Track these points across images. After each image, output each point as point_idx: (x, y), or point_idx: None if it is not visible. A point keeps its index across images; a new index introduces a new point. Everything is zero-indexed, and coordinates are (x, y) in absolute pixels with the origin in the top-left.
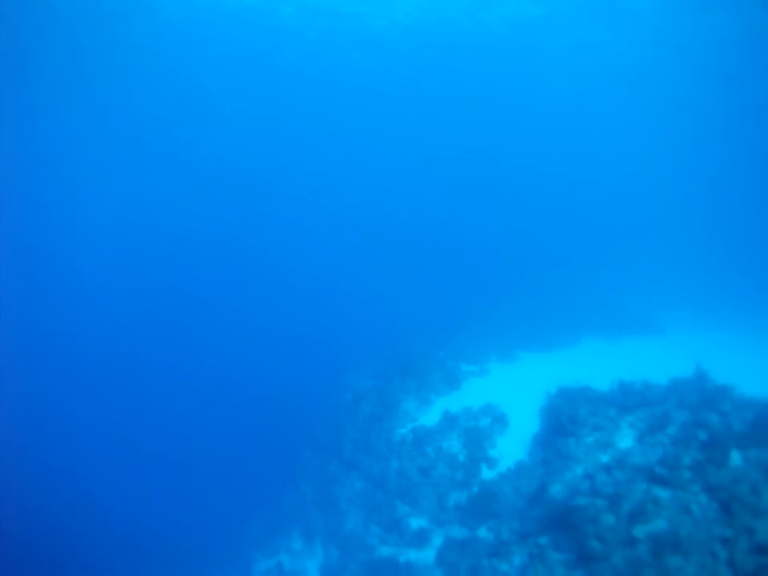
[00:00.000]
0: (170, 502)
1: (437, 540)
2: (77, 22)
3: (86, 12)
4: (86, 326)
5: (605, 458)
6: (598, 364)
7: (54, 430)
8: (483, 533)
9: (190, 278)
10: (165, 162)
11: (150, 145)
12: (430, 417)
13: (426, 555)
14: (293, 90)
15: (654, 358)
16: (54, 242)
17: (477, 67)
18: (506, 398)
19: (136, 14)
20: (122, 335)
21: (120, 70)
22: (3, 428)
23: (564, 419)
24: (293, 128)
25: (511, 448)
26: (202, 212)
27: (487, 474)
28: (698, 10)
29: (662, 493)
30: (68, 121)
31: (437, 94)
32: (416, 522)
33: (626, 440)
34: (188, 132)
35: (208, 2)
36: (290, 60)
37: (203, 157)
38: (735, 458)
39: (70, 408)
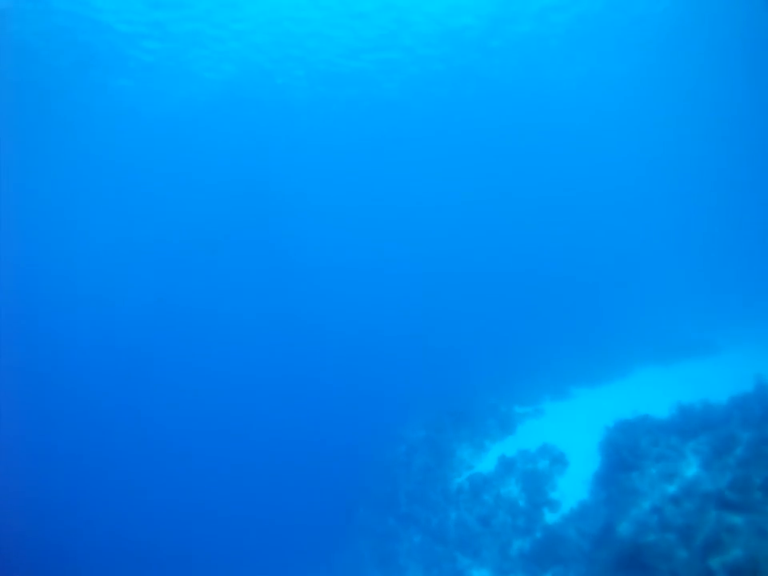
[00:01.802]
0: (226, 563)
1: None
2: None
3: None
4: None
5: (671, 489)
6: (654, 391)
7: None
8: None
9: (248, 323)
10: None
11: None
12: (486, 463)
13: None
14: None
15: (712, 378)
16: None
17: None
18: (562, 437)
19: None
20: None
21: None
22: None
23: (624, 453)
24: (323, 164)
25: (572, 488)
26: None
27: (550, 517)
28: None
29: (736, 519)
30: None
31: (471, 127)
32: (478, 574)
33: (691, 467)
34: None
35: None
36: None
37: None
38: None
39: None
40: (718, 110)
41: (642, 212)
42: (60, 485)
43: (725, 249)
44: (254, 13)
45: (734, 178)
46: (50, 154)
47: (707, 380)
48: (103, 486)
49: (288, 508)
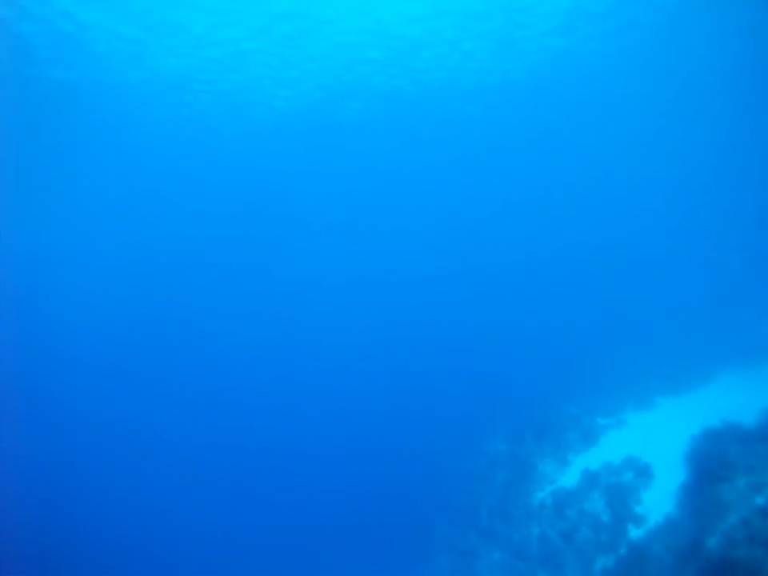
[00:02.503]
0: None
1: None
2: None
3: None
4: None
5: (760, 501)
6: (740, 397)
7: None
8: None
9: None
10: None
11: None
12: (569, 477)
13: None
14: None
15: None
16: None
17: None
18: (647, 448)
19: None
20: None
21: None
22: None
23: (712, 463)
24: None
25: (658, 502)
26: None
27: (634, 532)
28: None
29: None
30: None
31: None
32: None
33: None
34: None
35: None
36: None
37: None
38: None
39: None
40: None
41: (713, 211)
42: (63, 486)
43: None
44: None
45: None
46: (52, 154)
47: None
48: (125, 491)
49: (368, 520)
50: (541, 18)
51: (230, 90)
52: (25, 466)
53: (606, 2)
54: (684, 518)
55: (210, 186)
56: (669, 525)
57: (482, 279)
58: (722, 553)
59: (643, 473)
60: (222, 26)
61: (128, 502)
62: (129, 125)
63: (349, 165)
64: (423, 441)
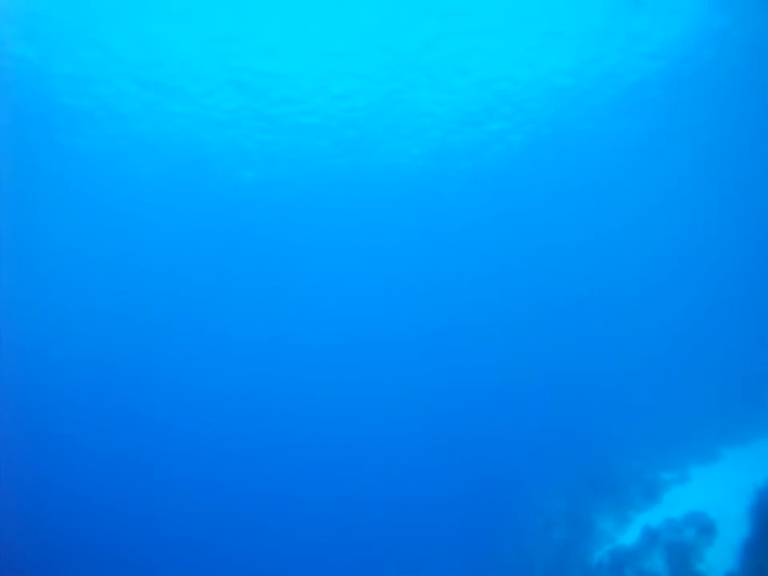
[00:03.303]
0: None
1: None
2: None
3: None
4: None
5: None
6: None
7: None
8: None
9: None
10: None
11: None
12: (629, 535)
13: None
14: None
15: None
16: None
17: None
18: (710, 503)
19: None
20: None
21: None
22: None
23: None
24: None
25: (720, 559)
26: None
27: None
28: None
29: None
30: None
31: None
32: None
33: None
34: None
35: None
36: None
37: None
38: None
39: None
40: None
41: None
42: (62, 486)
43: None
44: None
45: None
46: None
47: None
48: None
49: None
50: None
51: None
52: (24, 466)
53: None
54: (746, 575)
55: (213, 186)
56: None
57: (539, 328)
58: None
59: (706, 530)
60: None
61: (127, 502)
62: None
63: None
64: (479, 499)
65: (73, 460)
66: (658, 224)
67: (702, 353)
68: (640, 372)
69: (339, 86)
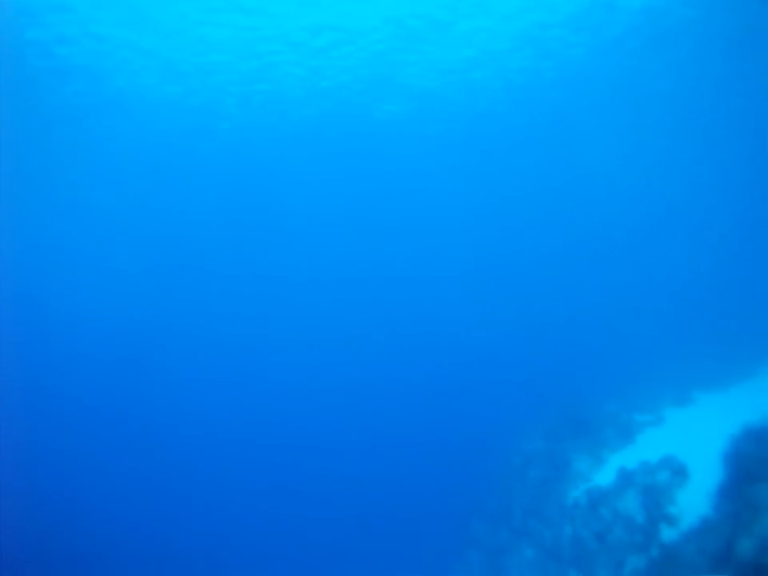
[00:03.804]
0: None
1: None
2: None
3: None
4: None
5: None
6: None
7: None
8: None
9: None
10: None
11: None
12: (605, 476)
13: None
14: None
15: None
16: None
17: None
18: (684, 447)
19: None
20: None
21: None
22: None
23: (751, 464)
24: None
25: (693, 503)
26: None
27: (668, 534)
28: None
29: None
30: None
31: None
32: None
33: None
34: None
35: None
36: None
37: None
38: None
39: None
40: None
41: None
42: (64, 484)
43: None
44: None
45: None
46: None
47: None
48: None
49: (399, 518)
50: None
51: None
52: (25, 464)
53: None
54: (719, 521)
55: (216, 188)
56: (703, 527)
57: (518, 275)
58: (756, 557)
59: (679, 472)
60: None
61: (129, 501)
62: (144, 131)
63: (358, 164)
64: (457, 439)
65: (73, 460)
66: (641, 172)
67: (682, 298)
68: (619, 315)
69: (323, 38)
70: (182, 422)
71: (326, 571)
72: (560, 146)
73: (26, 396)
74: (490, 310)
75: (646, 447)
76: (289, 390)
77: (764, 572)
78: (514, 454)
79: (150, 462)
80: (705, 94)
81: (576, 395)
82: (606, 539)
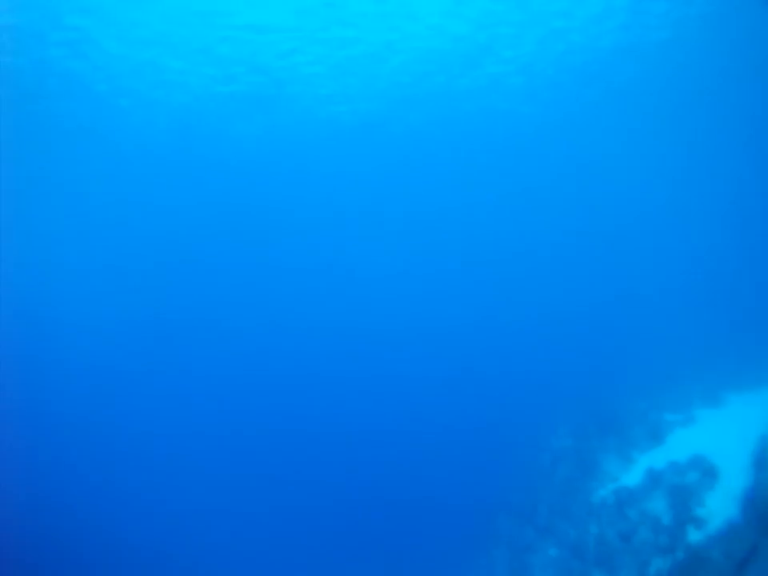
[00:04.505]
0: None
1: None
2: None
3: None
4: None
5: None
6: None
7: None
8: None
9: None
10: None
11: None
12: (633, 476)
13: None
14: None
15: None
16: None
17: None
18: (714, 448)
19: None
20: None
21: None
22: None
23: None
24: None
25: (721, 505)
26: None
27: (694, 536)
28: None
29: None
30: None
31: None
32: None
33: None
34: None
35: None
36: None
37: None
38: None
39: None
40: None
41: None
42: (62, 485)
43: None
44: None
45: None
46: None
47: None
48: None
49: (425, 514)
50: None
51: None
52: (24, 466)
53: None
54: (746, 525)
55: (214, 187)
56: (730, 530)
57: (550, 270)
58: None
59: (708, 474)
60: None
61: (128, 502)
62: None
63: (360, 162)
64: (485, 436)
65: (73, 460)
66: (659, 165)
67: (713, 296)
68: (649, 312)
69: (337, 35)
70: (182, 422)
71: (349, 569)
72: (568, 147)
73: (25, 397)
74: (520, 307)
75: (676, 447)
76: (307, 387)
77: None
78: (541, 451)
79: (149, 462)
80: (706, 93)
81: (605, 393)
82: (632, 540)
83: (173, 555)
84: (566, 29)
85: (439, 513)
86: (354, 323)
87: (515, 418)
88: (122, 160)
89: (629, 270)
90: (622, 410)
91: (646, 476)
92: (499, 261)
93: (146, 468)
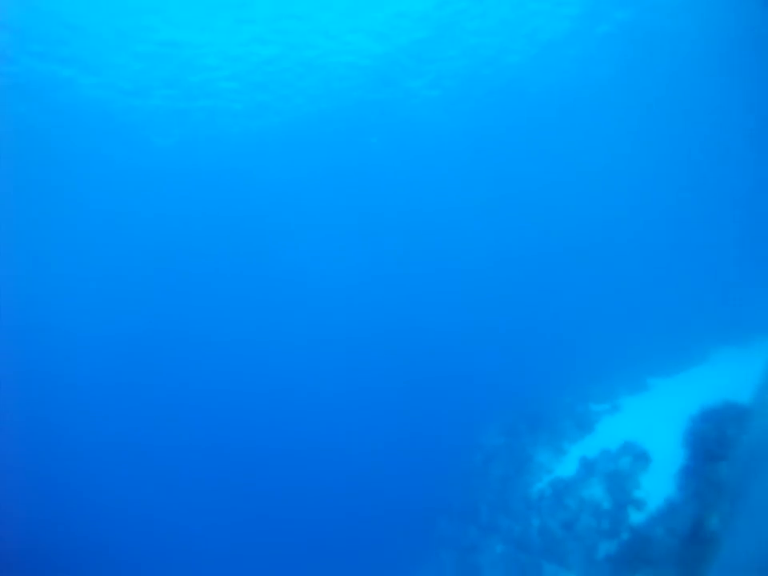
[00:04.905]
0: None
1: None
2: None
3: None
4: None
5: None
6: (735, 374)
7: None
8: None
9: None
10: None
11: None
12: (567, 467)
13: None
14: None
15: None
16: None
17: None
18: (643, 432)
19: None
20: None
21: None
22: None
23: (710, 444)
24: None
25: (658, 485)
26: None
27: (636, 517)
28: None
29: None
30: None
31: None
32: None
33: None
34: None
35: None
36: None
37: None
38: None
39: None
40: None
41: (707, 195)
42: (62, 488)
43: None
44: None
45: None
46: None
47: None
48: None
49: (367, 520)
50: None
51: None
52: (24, 466)
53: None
54: (685, 501)
55: (210, 190)
56: (670, 508)
57: (472, 273)
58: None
59: (641, 457)
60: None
61: (127, 504)
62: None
63: (350, 163)
64: (419, 438)
65: (73, 460)
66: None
67: (631, 286)
68: (572, 305)
69: (255, 51)
70: (182, 421)
71: (298, 573)
72: (556, 144)
73: (24, 398)
74: (444, 307)
75: (605, 436)
76: (251, 390)
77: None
78: (474, 451)
79: (148, 463)
80: (706, 92)
81: (532, 390)
82: (575, 527)
83: (172, 555)
84: (478, 45)
85: (382, 519)
86: (302, 331)
87: (446, 419)
88: (38, 175)
89: (550, 265)
90: (549, 404)
91: (580, 465)
92: (428, 266)
93: (145, 469)
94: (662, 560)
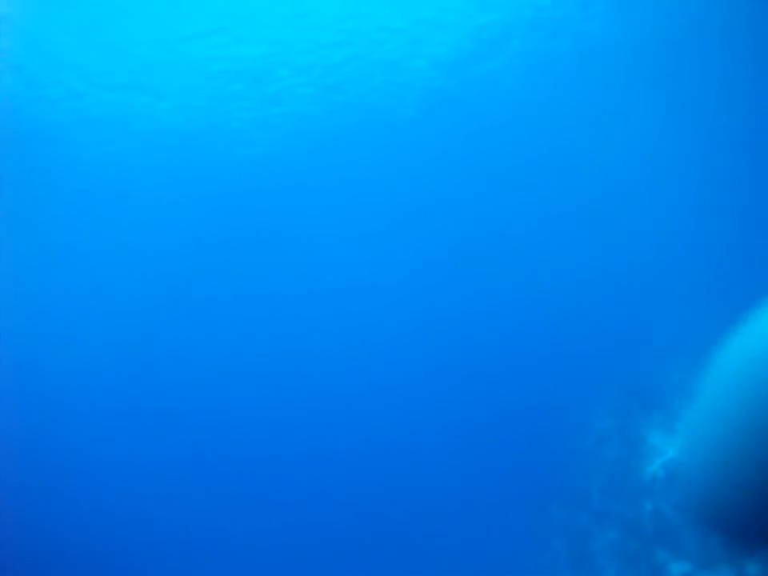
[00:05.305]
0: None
1: None
2: None
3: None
4: None
5: None
6: None
7: None
8: (752, 570)
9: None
10: None
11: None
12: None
13: None
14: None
15: None
16: None
17: None
18: None
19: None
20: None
21: None
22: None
23: None
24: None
25: None
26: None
27: None
28: None
29: None
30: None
31: None
32: (678, 568)
33: None
34: None
35: None
36: None
37: None
38: None
39: None
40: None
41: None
42: (61, 488)
43: None
44: None
45: None
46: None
47: None
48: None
49: (480, 506)
50: None
51: None
52: (23, 466)
53: None
54: None
55: (211, 192)
56: None
57: (561, 256)
58: None
59: None
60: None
61: (127, 504)
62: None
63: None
64: (526, 423)
65: (73, 461)
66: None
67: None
68: (676, 280)
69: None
70: (182, 421)
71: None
72: (556, 141)
73: (24, 398)
74: (542, 293)
75: None
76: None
77: None
78: (585, 433)
79: (149, 464)
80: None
81: (639, 368)
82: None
83: (171, 555)
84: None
85: (494, 506)
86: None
87: (553, 402)
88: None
89: (639, 248)
90: (659, 382)
91: None
92: (507, 251)
93: (145, 469)
94: None
